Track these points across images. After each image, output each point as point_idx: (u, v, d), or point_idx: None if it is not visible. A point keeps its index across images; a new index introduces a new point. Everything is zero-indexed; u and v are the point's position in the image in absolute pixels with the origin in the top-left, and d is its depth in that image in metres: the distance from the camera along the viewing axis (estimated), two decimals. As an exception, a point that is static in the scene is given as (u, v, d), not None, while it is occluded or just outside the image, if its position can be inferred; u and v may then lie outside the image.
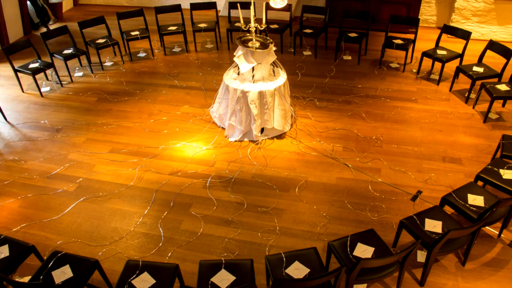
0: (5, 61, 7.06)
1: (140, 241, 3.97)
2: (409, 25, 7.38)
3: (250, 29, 4.94)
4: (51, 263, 3.23)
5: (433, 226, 3.49)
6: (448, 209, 4.03)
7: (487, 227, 3.96)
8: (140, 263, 3.21)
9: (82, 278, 3.15)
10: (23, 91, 6.44)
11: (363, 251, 3.29)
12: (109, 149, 5.16)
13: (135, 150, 5.13)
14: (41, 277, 3.14)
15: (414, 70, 6.66)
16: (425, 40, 7.55)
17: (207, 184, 4.59)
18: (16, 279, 3.59)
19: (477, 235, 3.49)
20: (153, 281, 3.09)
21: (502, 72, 5.72)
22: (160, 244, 3.93)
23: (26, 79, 6.65)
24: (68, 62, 6.64)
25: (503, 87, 5.40)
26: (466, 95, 5.90)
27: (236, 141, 5.17)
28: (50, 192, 4.55)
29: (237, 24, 7.47)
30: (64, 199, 4.46)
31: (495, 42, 5.91)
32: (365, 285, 3.48)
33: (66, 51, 6.65)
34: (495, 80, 5.81)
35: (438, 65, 6.63)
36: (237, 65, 5.10)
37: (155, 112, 5.83)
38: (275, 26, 7.25)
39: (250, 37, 5.04)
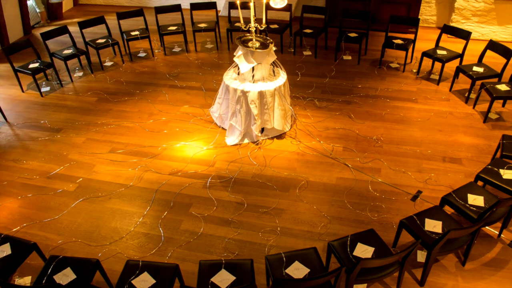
0: (5, 61, 7.06)
1: (140, 241, 3.97)
2: (409, 25, 7.38)
3: (250, 29, 4.94)
4: (51, 267, 3.22)
5: (433, 226, 3.49)
6: (448, 209, 4.03)
7: (487, 227, 3.96)
8: (140, 263, 3.21)
9: (86, 279, 3.15)
10: (23, 91, 6.44)
11: (363, 251, 3.29)
12: (109, 149, 5.16)
13: (135, 150, 5.13)
14: (43, 281, 3.13)
15: (414, 70, 6.66)
16: (425, 40, 7.55)
17: (207, 184, 4.59)
18: (16, 279, 3.59)
19: (477, 235, 3.49)
20: (153, 281, 3.10)
21: (502, 72, 5.71)
22: (160, 244, 3.93)
23: (26, 79, 6.65)
24: (68, 62, 6.64)
25: (503, 87, 5.40)
26: (466, 95, 5.90)
27: (234, 145, 5.15)
28: (50, 192, 4.55)
29: (237, 24, 7.47)
30: (64, 199, 4.46)
31: (495, 42, 5.91)
32: (365, 285, 3.48)
33: (66, 51, 6.65)
34: (495, 80, 5.81)
35: (438, 65, 6.63)
36: (237, 65, 5.10)
37: (155, 112, 5.83)
38: (275, 26, 7.25)
39: (250, 37, 5.04)
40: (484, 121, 5.44)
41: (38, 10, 8.63)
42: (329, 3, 8.07)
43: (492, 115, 5.54)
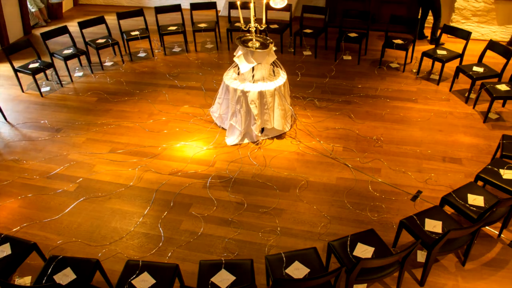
0: (5, 61, 7.06)
1: (140, 241, 3.97)
2: (409, 25, 7.37)
3: (250, 29, 4.94)
4: (51, 267, 3.22)
5: (433, 226, 3.49)
6: (448, 209, 4.03)
7: (487, 227, 3.96)
8: (140, 263, 3.21)
9: (86, 279, 3.15)
10: (23, 91, 6.44)
11: (363, 251, 3.29)
12: (109, 149, 5.16)
13: (135, 150, 5.13)
14: (43, 281, 3.13)
15: (414, 70, 6.67)
16: (425, 40, 7.55)
17: (207, 184, 4.59)
18: (16, 279, 3.59)
19: (477, 235, 3.49)
20: (153, 281, 3.10)
21: (502, 72, 5.72)
22: (160, 244, 3.93)
23: (26, 79, 6.65)
24: (68, 62, 6.64)
25: (503, 87, 5.41)
26: (466, 95, 5.90)
27: (234, 145, 5.15)
28: (50, 192, 4.55)
29: (237, 24, 7.47)
30: (64, 199, 4.46)
31: (495, 42, 5.92)
32: (365, 285, 3.48)
33: (66, 51, 6.65)
34: (495, 80, 5.81)
35: (438, 65, 6.63)
36: (237, 65, 5.10)
37: (155, 112, 5.83)
38: (275, 26, 7.25)
39: (250, 37, 5.04)
40: (484, 121, 5.44)
41: (32, 10, 8.61)
42: (329, 3, 8.07)
43: (492, 115, 5.54)
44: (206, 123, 5.54)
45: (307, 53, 7.34)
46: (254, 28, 4.93)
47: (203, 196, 4.44)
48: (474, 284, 3.49)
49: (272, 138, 5.25)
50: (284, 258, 3.23)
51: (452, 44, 6.87)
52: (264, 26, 4.87)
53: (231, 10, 7.68)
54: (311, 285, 2.81)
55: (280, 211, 4.24)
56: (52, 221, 4.20)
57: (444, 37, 7.21)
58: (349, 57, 7.15)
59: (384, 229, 3.99)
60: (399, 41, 6.62)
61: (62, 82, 6.62)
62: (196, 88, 6.38)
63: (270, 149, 5.09)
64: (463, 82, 6.26)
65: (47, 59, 6.78)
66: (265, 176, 4.68)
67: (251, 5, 4.73)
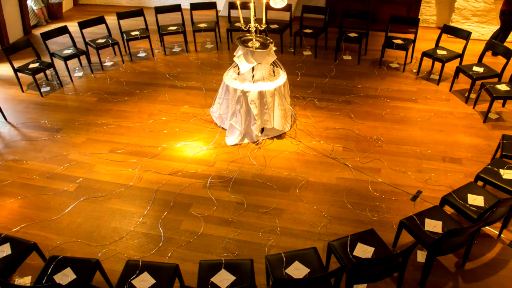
0: (5, 61, 7.06)
1: (140, 241, 3.97)
2: (409, 25, 7.38)
3: (250, 29, 4.94)
4: (51, 267, 3.22)
5: (433, 226, 3.49)
6: (448, 209, 4.02)
7: (487, 227, 3.96)
8: (140, 263, 3.21)
9: (86, 279, 3.15)
10: (23, 91, 6.43)
11: (363, 251, 3.29)
12: (109, 149, 5.16)
13: (135, 150, 5.12)
14: (43, 281, 3.13)
15: (414, 70, 6.66)
16: (425, 40, 7.55)
17: (207, 184, 4.59)
18: (16, 279, 3.59)
19: (477, 235, 3.49)
20: (153, 281, 3.10)
21: (502, 72, 5.72)
22: (160, 244, 3.93)
23: (26, 79, 6.65)
24: (68, 62, 6.64)
25: (503, 87, 5.40)
26: (466, 95, 5.90)
27: (234, 145, 5.15)
28: (50, 192, 4.55)
29: (237, 24, 7.47)
30: (64, 199, 4.46)
31: (495, 42, 5.92)
32: (365, 285, 3.48)
33: (66, 51, 6.65)
34: (495, 80, 5.81)
35: (438, 65, 6.62)
36: (237, 65, 5.10)
37: (155, 112, 5.83)
38: (275, 26, 7.25)
39: (250, 37, 5.04)
40: (484, 121, 5.43)
41: (35, 8, 8.61)
42: (329, 3, 8.07)
43: (492, 115, 5.54)
44: (206, 123, 5.54)
45: (307, 53, 7.34)
46: (254, 28, 4.92)
47: (203, 196, 4.44)
48: (474, 284, 3.48)
49: (272, 138, 5.25)
50: (284, 258, 3.23)
51: (452, 44, 6.87)
52: (264, 26, 4.87)
53: (231, 10, 7.68)
54: (311, 285, 2.81)
55: (280, 211, 4.24)
56: (52, 221, 4.20)
57: (444, 37, 7.20)
58: (349, 57, 7.15)
59: (384, 229, 3.99)
60: (399, 41, 6.62)
61: (62, 82, 6.62)
62: (196, 88, 6.38)
63: (270, 149, 5.09)
64: (463, 82, 6.26)
65: (47, 59, 6.77)
66: (265, 176, 4.68)
67: (251, 5, 4.72)
